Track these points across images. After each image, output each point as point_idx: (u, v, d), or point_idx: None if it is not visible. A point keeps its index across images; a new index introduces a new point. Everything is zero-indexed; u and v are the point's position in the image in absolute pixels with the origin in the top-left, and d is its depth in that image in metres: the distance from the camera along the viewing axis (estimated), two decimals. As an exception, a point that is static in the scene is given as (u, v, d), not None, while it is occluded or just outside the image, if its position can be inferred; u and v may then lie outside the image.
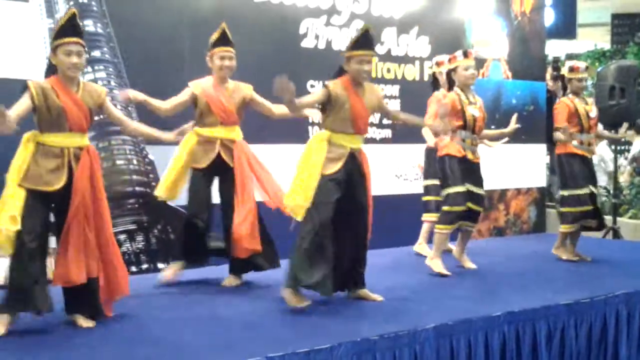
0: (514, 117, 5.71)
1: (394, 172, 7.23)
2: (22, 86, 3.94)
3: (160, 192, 5.05)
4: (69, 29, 3.95)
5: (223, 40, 5.04)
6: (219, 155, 5.03)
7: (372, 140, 7.04)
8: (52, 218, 4.06)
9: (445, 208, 5.53)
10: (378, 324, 4.01)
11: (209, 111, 5.00)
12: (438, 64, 6.31)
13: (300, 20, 6.64)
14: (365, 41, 4.55)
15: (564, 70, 6.28)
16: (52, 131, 3.93)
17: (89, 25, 5.47)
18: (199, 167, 5.04)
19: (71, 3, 5.41)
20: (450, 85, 5.70)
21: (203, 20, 6.03)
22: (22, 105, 3.87)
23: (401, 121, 5.07)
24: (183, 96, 5.00)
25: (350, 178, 4.52)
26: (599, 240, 7.36)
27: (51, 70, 4.04)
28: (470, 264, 5.77)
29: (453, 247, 6.03)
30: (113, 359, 3.51)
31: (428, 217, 6.33)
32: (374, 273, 5.31)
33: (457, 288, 5.08)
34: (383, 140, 7.15)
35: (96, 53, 5.53)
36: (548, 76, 6.35)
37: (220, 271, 5.32)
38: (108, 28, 5.51)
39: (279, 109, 5.10)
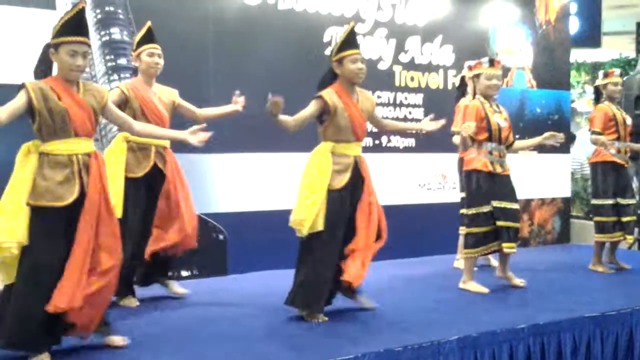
0: (549, 134, 5.44)
1: (417, 181, 7.20)
2: (19, 85, 3.53)
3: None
4: (75, 25, 3.54)
5: (150, 38, 4.83)
6: (154, 164, 4.75)
7: (395, 149, 7.03)
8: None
9: (469, 230, 5.27)
10: (402, 335, 3.99)
11: (142, 115, 4.65)
12: (470, 68, 6.13)
13: (325, 28, 6.64)
14: (354, 40, 4.48)
15: (599, 79, 6.25)
16: (56, 138, 3.52)
17: (115, 33, 5.52)
18: (134, 177, 4.67)
19: (97, 11, 5.46)
20: (475, 91, 5.55)
21: (228, 29, 6.07)
22: (17, 103, 3.46)
23: (397, 130, 4.96)
24: (113, 96, 4.49)
25: (355, 187, 4.44)
26: (624, 251, 7.28)
27: (45, 66, 3.63)
28: (517, 281, 5.46)
29: (493, 260, 5.95)
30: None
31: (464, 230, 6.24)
32: (396, 283, 5.31)
33: (482, 299, 5.05)
34: (406, 149, 7.12)
35: (122, 61, 5.56)
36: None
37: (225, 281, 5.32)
38: (134, 36, 5.53)
39: (204, 112, 5.00)
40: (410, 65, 7.19)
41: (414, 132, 4.95)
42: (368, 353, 3.62)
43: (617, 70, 6.33)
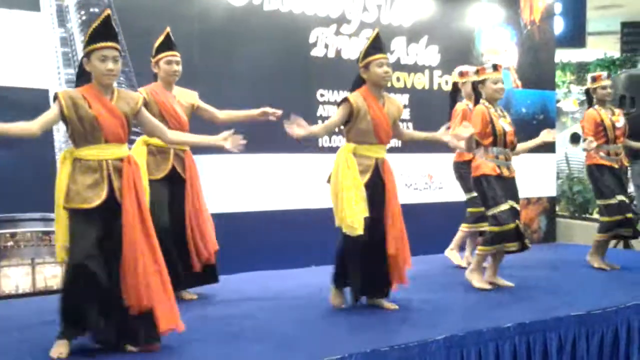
0: (547, 131, 5.66)
1: (403, 181, 7.22)
2: (53, 97, 3.69)
3: None
4: (103, 32, 3.66)
5: (169, 45, 4.90)
6: (172, 167, 4.86)
7: (382, 149, 7.04)
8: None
9: (494, 229, 5.22)
10: (388, 335, 4.00)
11: (161, 119, 4.67)
12: (462, 74, 6.22)
13: (310, 29, 6.66)
14: (380, 45, 4.61)
15: (588, 83, 6.34)
16: (87, 144, 3.65)
17: (100, 34, 5.48)
18: (154, 178, 4.77)
19: (82, 12, 5.44)
20: (477, 97, 5.48)
21: (213, 30, 6.07)
22: (49, 114, 3.62)
23: (416, 140, 5.07)
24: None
25: (374, 189, 4.53)
26: (610, 250, 7.32)
27: (84, 77, 3.75)
28: (502, 282, 5.48)
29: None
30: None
31: (465, 228, 6.30)
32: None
33: (468, 299, 5.07)
34: (392, 150, 7.10)
35: (107, 62, 5.54)
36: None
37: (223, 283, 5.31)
38: (119, 37, 5.52)
39: (223, 115, 5.06)
40: (396, 66, 7.19)
41: (436, 143, 5.01)
42: (355, 353, 3.62)
43: (605, 73, 6.39)
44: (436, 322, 4.32)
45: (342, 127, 4.70)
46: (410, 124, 7.24)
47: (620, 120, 6.20)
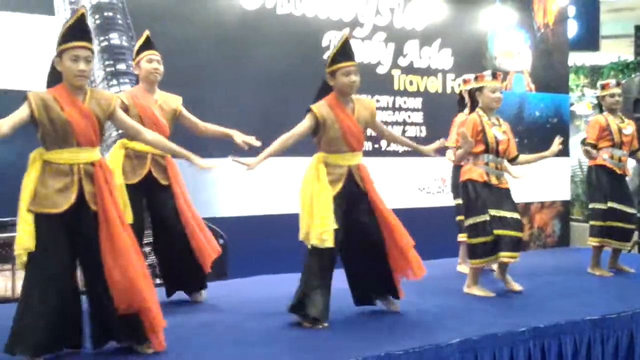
0: (557, 139, 5.48)
1: (416, 185, 7.21)
2: (23, 97, 3.54)
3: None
4: (77, 31, 3.52)
5: (149, 45, 4.81)
6: (149, 172, 4.73)
7: (395, 153, 7.04)
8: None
9: (471, 240, 5.18)
10: (402, 339, 3.98)
11: (140, 123, 4.50)
12: (465, 82, 6.13)
13: (323, 33, 6.66)
14: (347, 51, 4.44)
15: (598, 91, 6.31)
16: (58, 147, 3.53)
17: (114, 38, 5.53)
18: (129, 183, 4.63)
19: (97, 17, 5.47)
20: (473, 104, 5.46)
21: (226, 34, 6.08)
22: (18, 115, 3.47)
23: (397, 143, 4.97)
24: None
25: (351, 196, 4.43)
26: (624, 255, 7.27)
27: (55, 77, 3.61)
28: (514, 285, 5.41)
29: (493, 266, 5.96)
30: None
31: (463, 238, 6.22)
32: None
33: (482, 303, 5.04)
34: (406, 153, 7.13)
35: (121, 66, 5.57)
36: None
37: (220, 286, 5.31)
38: (133, 41, 5.55)
39: (204, 127, 4.95)
40: (409, 69, 7.20)
41: (410, 149, 4.93)
42: (369, 357, 3.62)
43: (613, 81, 6.32)
44: (450, 326, 4.30)
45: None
46: (423, 128, 7.23)
47: (628, 128, 6.16)
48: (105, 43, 5.50)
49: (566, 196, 8.57)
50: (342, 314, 4.54)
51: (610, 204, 6.04)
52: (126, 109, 4.62)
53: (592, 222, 6.19)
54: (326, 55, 6.61)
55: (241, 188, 6.11)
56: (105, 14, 5.50)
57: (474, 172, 5.16)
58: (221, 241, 5.88)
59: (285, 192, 6.29)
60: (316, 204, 4.26)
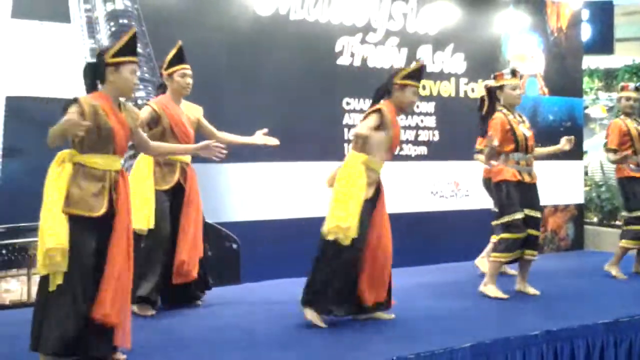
0: (566, 138, 5.58)
1: (430, 189, 7.22)
2: (70, 100, 3.63)
3: (142, 224, 4.62)
4: (134, 47, 3.76)
5: (182, 58, 4.93)
6: (178, 179, 4.88)
7: (408, 157, 7.05)
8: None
9: (505, 236, 5.23)
10: (414, 343, 4.00)
11: (171, 132, 4.80)
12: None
13: (336, 38, 6.69)
14: (420, 74, 4.64)
15: (617, 92, 6.34)
16: (95, 152, 3.61)
17: (129, 45, 5.56)
18: (160, 189, 4.78)
19: (112, 24, 5.52)
20: (492, 103, 5.48)
21: (240, 40, 6.12)
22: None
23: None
24: (145, 114, 4.71)
25: (373, 204, 4.52)
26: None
27: (94, 84, 3.73)
28: (532, 290, 5.44)
29: (511, 270, 5.97)
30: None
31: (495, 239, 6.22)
32: (410, 290, 5.31)
33: (495, 307, 5.05)
34: (419, 157, 7.15)
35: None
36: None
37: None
38: (148, 48, 5.61)
39: (221, 136, 5.05)
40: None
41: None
42: (381, 360, 3.65)
43: (632, 85, 6.34)
44: (463, 329, 4.31)
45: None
46: (436, 132, 7.23)
47: None
48: (121, 50, 5.54)
49: (580, 199, 8.54)
50: (353, 318, 4.56)
51: None
52: (158, 118, 4.79)
53: (629, 227, 6.20)
54: (339, 61, 6.68)
55: (253, 193, 6.15)
56: (121, 21, 5.56)
57: (508, 172, 5.25)
58: (234, 246, 5.92)
59: (297, 196, 6.33)
60: (352, 202, 4.32)
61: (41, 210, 3.51)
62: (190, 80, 4.94)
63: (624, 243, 6.23)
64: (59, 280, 3.48)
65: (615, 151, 6.13)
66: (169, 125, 4.81)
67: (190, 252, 4.85)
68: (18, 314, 4.74)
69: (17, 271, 5.24)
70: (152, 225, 4.67)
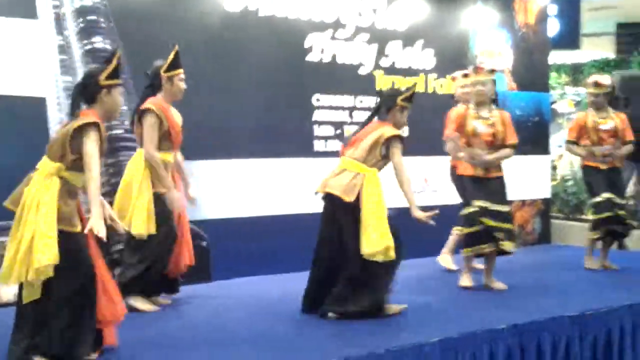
0: None
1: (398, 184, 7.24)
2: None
3: (141, 229, 4.65)
4: (121, 70, 3.88)
5: (179, 63, 4.96)
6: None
7: (378, 153, 7.07)
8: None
9: (462, 230, 5.45)
10: (384, 338, 4.05)
11: (168, 136, 4.83)
12: (453, 79, 6.44)
13: (306, 35, 6.69)
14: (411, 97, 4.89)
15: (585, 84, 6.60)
16: (77, 171, 3.64)
17: (97, 42, 5.53)
18: (156, 192, 4.77)
19: (79, 20, 5.48)
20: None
21: (211, 36, 6.10)
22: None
23: None
24: (152, 120, 4.77)
25: None
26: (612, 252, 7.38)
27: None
28: (499, 284, 5.52)
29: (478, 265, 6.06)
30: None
31: (456, 230, 6.27)
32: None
33: (461, 301, 5.12)
34: (388, 153, 7.16)
35: (105, 69, 5.57)
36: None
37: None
38: (116, 44, 5.57)
39: (180, 159, 5.16)
40: (391, 70, 7.24)
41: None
42: (351, 356, 3.67)
43: (590, 80, 6.51)
44: (430, 325, 4.36)
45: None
46: (405, 127, 7.25)
47: (607, 123, 6.29)
48: (89, 47, 5.50)
49: (547, 194, 8.65)
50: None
51: (605, 195, 6.23)
52: (160, 122, 4.78)
53: (594, 216, 6.36)
54: (309, 57, 6.68)
55: (224, 190, 6.14)
56: (89, 17, 5.50)
57: (461, 166, 5.48)
58: (204, 243, 5.91)
59: (268, 193, 6.34)
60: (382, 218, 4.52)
61: (24, 223, 3.53)
62: (185, 85, 4.99)
63: (588, 235, 6.42)
64: (36, 295, 3.54)
65: (574, 143, 6.40)
66: (167, 128, 4.81)
67: (189, 252, 5.06)
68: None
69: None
70: (153, 231, 4.67)
